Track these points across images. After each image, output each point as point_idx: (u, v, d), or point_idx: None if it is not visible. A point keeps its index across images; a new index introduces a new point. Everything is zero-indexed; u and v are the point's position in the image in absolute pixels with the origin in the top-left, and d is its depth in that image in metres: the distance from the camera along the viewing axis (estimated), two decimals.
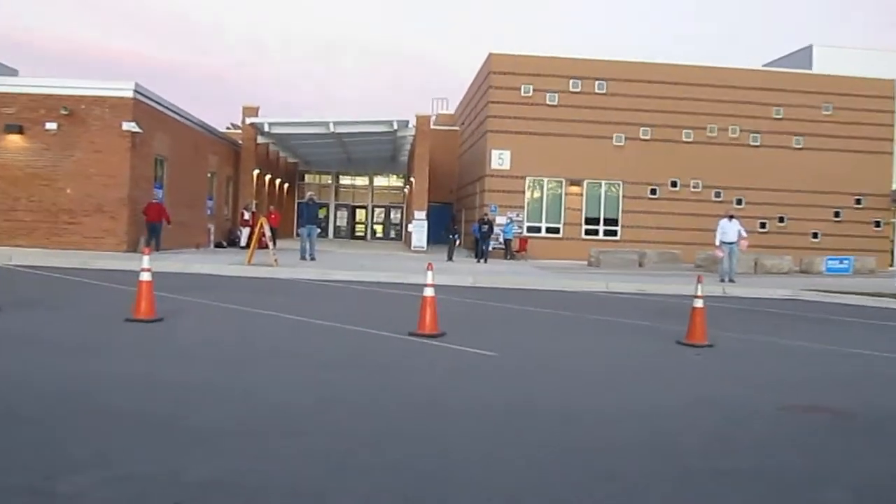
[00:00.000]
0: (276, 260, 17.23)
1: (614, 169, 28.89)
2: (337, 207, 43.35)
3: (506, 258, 26.66)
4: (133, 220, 19.29)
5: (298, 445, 3.91)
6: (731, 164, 29.18)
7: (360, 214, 43.85)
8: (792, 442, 4.37)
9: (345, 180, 44.27)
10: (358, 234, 43.29)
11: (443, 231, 26.03)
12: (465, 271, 18.61)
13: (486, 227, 24.46)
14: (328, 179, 43.83)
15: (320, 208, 44.49)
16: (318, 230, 21.61)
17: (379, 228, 43.97)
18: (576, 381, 6.09)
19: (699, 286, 8.17)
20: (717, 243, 17.96)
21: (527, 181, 28.81)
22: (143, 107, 19.66)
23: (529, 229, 28.75)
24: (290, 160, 39.72)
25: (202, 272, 15.88)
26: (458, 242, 25.80)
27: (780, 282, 18.45)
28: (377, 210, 44.19)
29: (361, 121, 29.03)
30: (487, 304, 12.21)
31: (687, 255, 26.34)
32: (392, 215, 43.95)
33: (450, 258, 23.68)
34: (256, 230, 18.31)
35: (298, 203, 39.23)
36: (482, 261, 23.91)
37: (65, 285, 11.63)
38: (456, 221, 26.59)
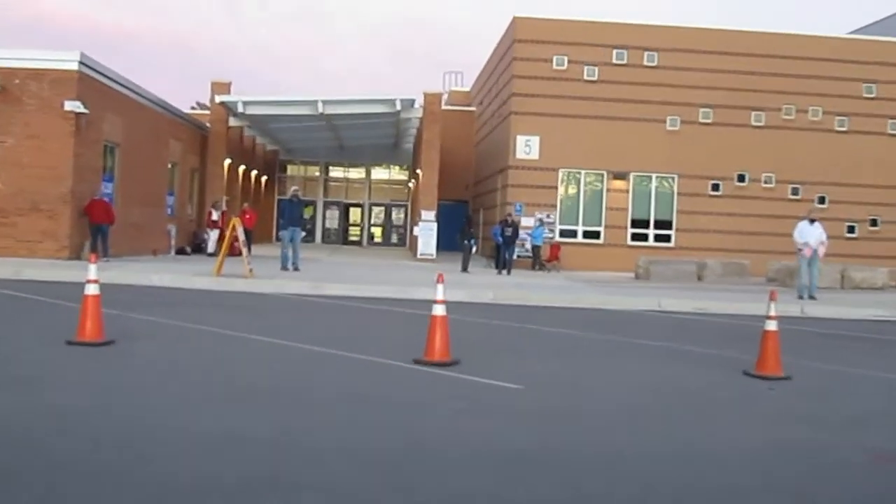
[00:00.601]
0: (250, 270, 17.34)
1: (667, 159, 28.91)
2: (326, 206, 43.61)
3: (533, 269, 26.74)
4: (77, 221, 19.30)
5: None
6: (812, 154, 29.05)
7: (355, 214, 44.06)
8: (891, 501, 4.30)
9: (336, 173, 44.53)
10: (352, 238, 43.50)
11: (456, 235, 26.17)
12: (483, 285, 18.69)
13: (510, 230, 24.53)
14: (315, 172, 44.06)
15: (306, 207, 44.60)
16: (303, 233, 21.68)
17: (377, 232, 44.14)
18: (620, 421, 6.09)
19: (772, 305, 8.13)
20: (801, 244, 17.55)
21: (560, 174, 28.89)
22: (91, 82, 19.62)
23: (563, 233, 28.83)
24: (270, 148, 40.00)
25: (161, 285, 16.01)
26: (474, 249, 25.88)
27: (873, 299, 18.40)
28: (375, 209, 44.35)
29: (357, 99, 29.23)
30: (511, 326, 12.24)
31: (757, 267, 26.23)
32: (394, 216, 44.13)
33: (465, 269, 23.78)
34: (227, 233, 18.42)
35: (279, 200, 39.55)
36: (504, 272, 24.00)
37: None
38: (472, 224, 26.75)
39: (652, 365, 8.90)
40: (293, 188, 21.23)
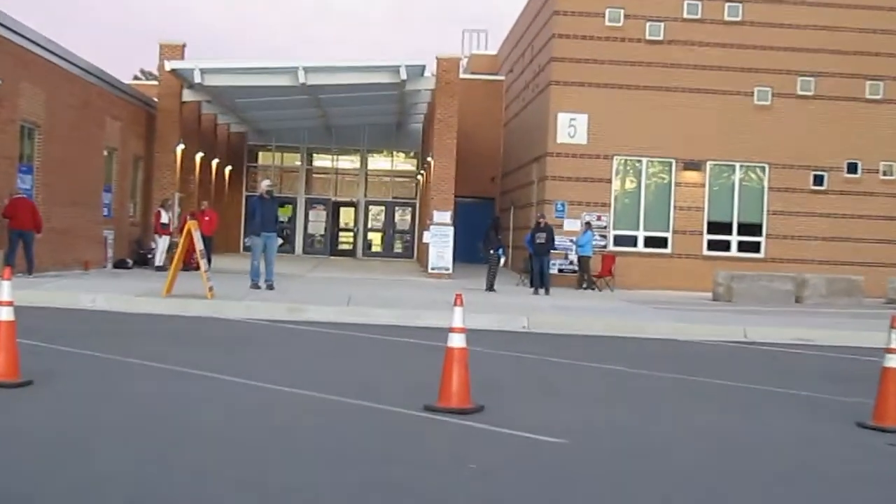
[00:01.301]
0: (211, 289, 17.45)
1: (755, 144, 28.94)
2: (309, 205, 43.91)
3: (580, 286, 26.79)
4: None
5: None
6: None
7: (347, 216, 44.39)
8: None
9: (322, 162, 44.83)
10: (343, 247, 43.79)
11: (479, 243, 26.24)
12: (514, 308, 18.78)
13: (542, 236, 24.62)
14: (295, 160, 44.39)
15: (282, 206, 43.79)
16: (280, 241, 21.78)
17: (376, 238, 44.45)
18: (694, 488, 6.07)
19: (894, 334, 8.10)
20: None
21: (614, 163, 28.99)
22: (2, 44, 19.66)
23: (618, 241, 28.95)
24: (236, 129, 40.28)
25: (95, 308, 16.11)
26: (502, 262, 25.96)
27: None
28: (373, 209, 44.61)
29: (349, 66, 29.41)
30: (550, 361, 12.28)
31: (873, 284, 26.17)
32: (398, 218, 44.40)
33: (490, 287, 23.91)
34: (181, 241, 18.56)
35: (248, 197, 39.69)
36: (542, 291, 24.09)
37: None
38: (500, 227, 26.77)
39: (736, 414, 8.92)
40: (266, 182, 21.28)
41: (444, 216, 28.54)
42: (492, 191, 40.55)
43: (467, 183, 35.04)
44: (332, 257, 41.13)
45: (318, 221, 43.66)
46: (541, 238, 24.72)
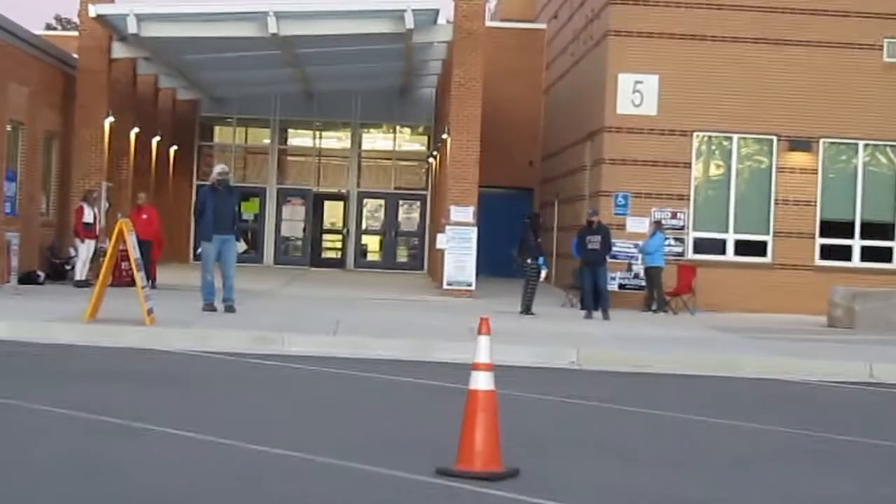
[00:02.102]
0: (150, 312, 17.47)
1: (886, 115, 28.73)
2: (283, 198, 43.84)
3: (649, 308, 26.74)
4: None
5: None
6: None
7: (333, 213, 44.57)
8: None
9: (300, 139, 45.30)
10: (328, 254, 44.06)
11: (512, 250, 26.15)
12: (560, 337, 18.84)
13: (595, 240, 24.49)
14: (264, 137, 44.52)
15: (245, 200, 43.21)
16: (241, 246, 21.81)
17: (373, 243, 44.65)
18: None
19: None
20: None
21: (694, 142, 28.97)
22: None
23: (700, 246, 28.94)
24: (184, 97, 40.40)
25: None
26: (543, 274, 25.89)
27: None
28: (370, 203, 44.73)
29: (336, 10, 29.26)
30: (610, 409, 12.31)
31: None
32: (402, 215, 44.54)
33: (527, 309, 23.90)
34: (110, 247, 18.57)
35: (199, 187, 39.72)
36: (597, 314, 24.05)
37: None
38: (538, 229, 26.71)
39: (866, 481, 8.85)
40: (219, 168, 21.34)
41: (464, 213, 28.57)
42: (529, 179, 40.62)
43: (496, 168, 35.07)
44: (313, 269, 41.15)
45: (294, 220, 43.70)
46: (593, 242, 24.54)
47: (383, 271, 41.11)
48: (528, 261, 24.45)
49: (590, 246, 24.65)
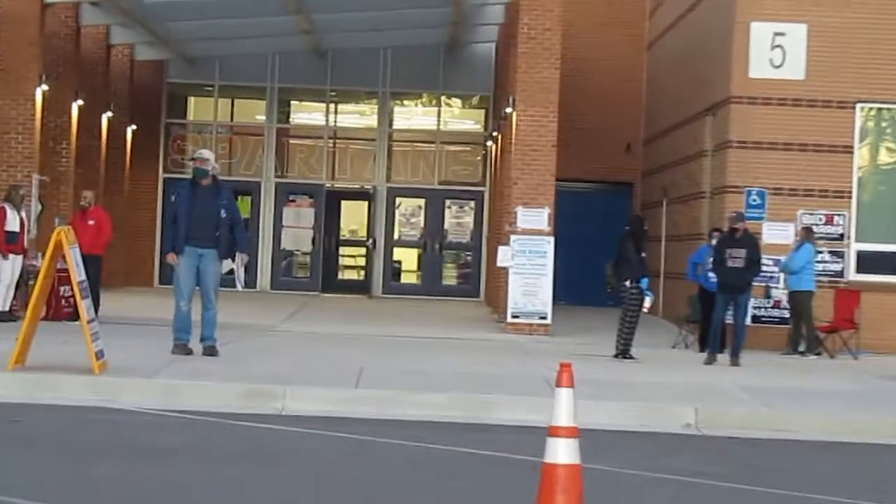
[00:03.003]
0: (99, 356, 17.40)
1: None
2: (283, 196, 43.97)
3: (794, 349, 26.68)
4: None
5: None
6: None
7: (354, 217, 45.13)
8: None
9: (308, 115, 45.80)
10: (346, 274, 44.87)
11: (606, 266, 25.87)
12: (670, 390, 18.92)
13: (739, 255, 24.03)
14: (256, 113, 45.06)
15: (228, 199, 44.43)
16: (227, 264, 21.63)
17: (409, 259, 45.15)
18: None
19: None
20: None
21: (858, 116, 28.98)
22: None
23: (865, 263, 28.89)
24: (146, 56, 40.66)
25: None
26: (648, 303, 25.63)
27: None
28: (404, 205, 44.92)
29: None
30: (739, 491, 12.23)
31: None
32: (450, 220, 44.73)
33: (624, 351, 23.97)
34: (43, 266, 18.61)
35: (168, 183, 39.94)
36: (721, 356, 24.03)
37: None
38: (643, 239, 26.44)
39: None
40: (197, 153, 21.41)
41: (536, 217, 28.79)
42: (627, 169, 40.90)
43: (581, 154, 35.46)
44: (326, 295, 41.68)
45: (300, 228, 44.13)
46: (736, 258, 24.15)
47: (423, 298, 41.40)
48: (627, 283, 24.27)
49: (730, 262, 24.29)
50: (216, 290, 20.59)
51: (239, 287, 21.38)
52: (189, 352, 19.86)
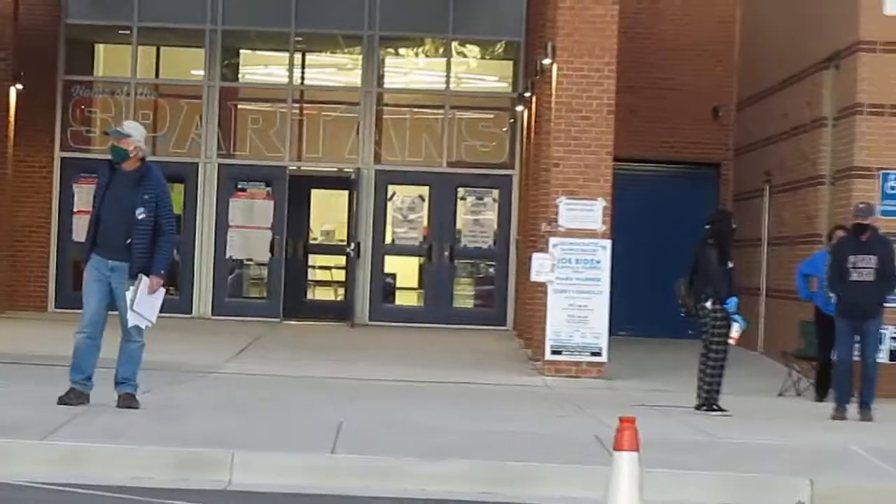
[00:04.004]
0: None
1: None
2: (229, 181, 44.03)
3: None
4: None
5: None
6: None
7: (329, 212, 45.58)
8: None
9: (264, 71, 46.31)
10: (319, 293, 45.32)
11: (677, 283, 25.92)
12: (777, 455, 18.83)
13: (880, 263, 24.01)
14: (192, 67, 45.31)
15: (154, 189, 44.92)
16: (152, 280, 21.61)
17: (407, 272, 45.39)
18: None
19: None
20: None
21: None
22: None
23: None
24: None
25: None
26: (736, 332, 25.56)
27: None
28: (398, 193, 44.90)
29: None
30: None
31: None
32: (464, 216, 44.80)
33: (708, 400, 23.99)
34: None
35: (64, 161, 40.04)
36: (851, 407, 24.03)
37: None
38: (729, 243, 26.38)
39: None
40: (114, 127, 21.44)
41: (586, 212, 28.98)
42: (713, 144, 41.09)
43: (649, 124, 35.79)
44: (290, 322, 42.00)
45: (253, 228, 44.30)
46: (862, 269, 24.22)
47: (427, 327, 41.79)
48: (708, 304, 24.37)
49: (854, 275, 24.30)
50: (136, 312, 20.54)
51: (141, 322, 20.69)
52: (83, 400, 19.79)
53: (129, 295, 20.27)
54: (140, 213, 20.36)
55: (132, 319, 20.14)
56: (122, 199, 20.44)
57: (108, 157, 20.78)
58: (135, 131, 21.48)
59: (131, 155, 20.79)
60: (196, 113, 43.88)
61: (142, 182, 20.63)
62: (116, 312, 20.24)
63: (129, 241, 20.43)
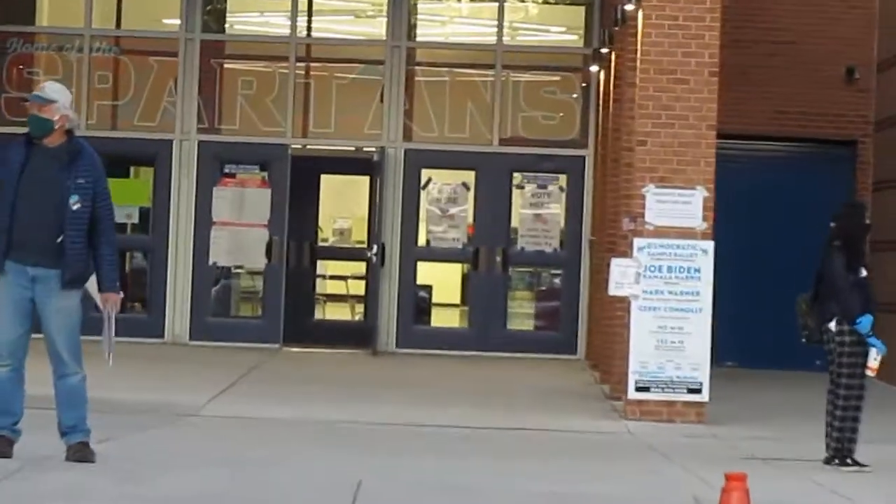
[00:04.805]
0: None
1: None
2: (211, 165, 44.03)
3: None
4: None
5: None
6: None
7: (343, 206, 45.86)
8: None
9: (258, 19, 46.33)
10: (330, 311, 45.61)
11: (798, 299, 26.06)
12: None
13: None
14: (165, 13, 45.17)
15: (114, 176, 45.11)
16: (115, 294, 21.64)
17: (447, 283, 45.72)
18: None
19: None
20: None
21: None
22: None
23: None
24: None
25: None
26: (875, 359, 25.47)
27: None
28: (435, 179, 45.00)
29: None
30: None
31: None
32: (522, 211, 44.91)
33: (840, 451, 23.76)
34: None
35: None
36: None
37: None
38: (858, 245, 26.43)
39: None
40: (34, 92, 21.59)
41: (681, 205, 28.98)
42: (846, 117, 41.11)
43: (763, 90, 35.66)
44: (292, 349, 42.21)
45: (244, 226, 44.53)
46: None
47: (473, 355, 41.96)
48: (832, 325, 24.60)
49: None
50: (75, 343, 20.57)
51: (107, 356, 20.50)
52: (6, 452, 19.58)
53: (104, 319, 20.16)
54: (75, 204, 20.01)
55: (106, 350, 20.14)
56: (48, 185, 20.26)
57: (26, 130, 20.63)
58: (60, 95, 21.00)
59: (56, 126, 20.56)
60: (170, 74, 44.14)
61: (74, 163, 20.33)
62: (41, 336, 20.01)
63: (59, 239, 20.29)
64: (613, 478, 21.18)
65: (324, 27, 44.41)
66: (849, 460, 23.42)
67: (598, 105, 40.47)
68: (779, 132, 38.78)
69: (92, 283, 20.00)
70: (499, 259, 43.80)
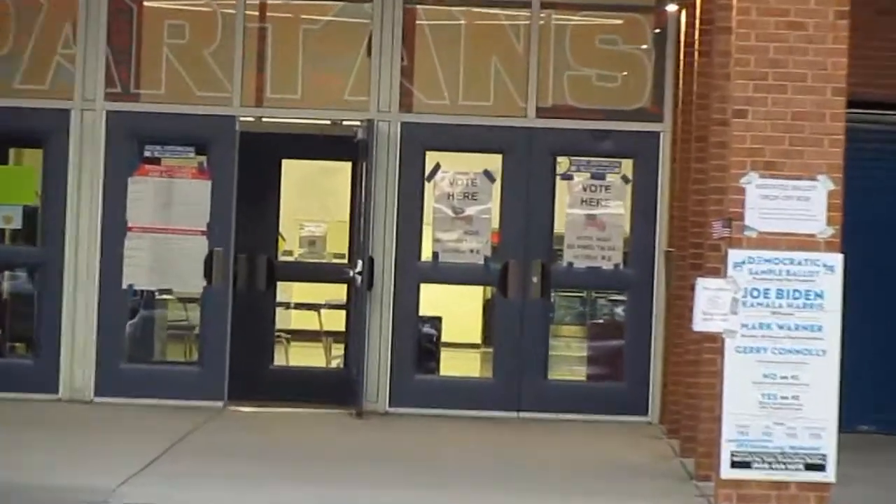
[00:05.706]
0: None
1: None
2: (126, 147, 43.90)
3: None
4: None
5: None
6: None
7: (314, 204, 45.35)
8: None
9: None
10: (296, 355, 45.20)
11: None
12: None
13: None
14: None
15: None
16: None
17: (461, 312, 45.63)
18: None
19: None
20: None
21: None
22: None
23: None
24: None
25: None
26: None
27: None
28: (444, 166, 44.32)
29: None
30: None
31: None
32: (568, 209, 44.01)
33: None
34: None
35: None
36: None
37: None
38: None
39: None
40: None
41: (797, 202, 28.10)
42: None
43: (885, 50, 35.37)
44: (240, 408, 41.83)
45: (173, 234, 44.27)
46: None
47: (498, 417, 41.63)
48: None
49: None
50: None
51: None
52: None
53: None
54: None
55: None
56: None
57: None
58: None
59: None
60: (67, 17, 43.87)
61: None
62: None
63: None
64: None
65: None
66: None
67: (676, 60, 39.93)
68: None
69: None
70: (536, 280, 43.25)
